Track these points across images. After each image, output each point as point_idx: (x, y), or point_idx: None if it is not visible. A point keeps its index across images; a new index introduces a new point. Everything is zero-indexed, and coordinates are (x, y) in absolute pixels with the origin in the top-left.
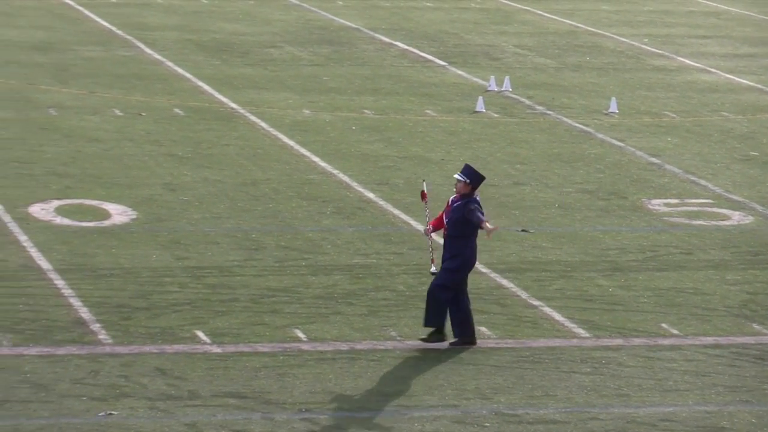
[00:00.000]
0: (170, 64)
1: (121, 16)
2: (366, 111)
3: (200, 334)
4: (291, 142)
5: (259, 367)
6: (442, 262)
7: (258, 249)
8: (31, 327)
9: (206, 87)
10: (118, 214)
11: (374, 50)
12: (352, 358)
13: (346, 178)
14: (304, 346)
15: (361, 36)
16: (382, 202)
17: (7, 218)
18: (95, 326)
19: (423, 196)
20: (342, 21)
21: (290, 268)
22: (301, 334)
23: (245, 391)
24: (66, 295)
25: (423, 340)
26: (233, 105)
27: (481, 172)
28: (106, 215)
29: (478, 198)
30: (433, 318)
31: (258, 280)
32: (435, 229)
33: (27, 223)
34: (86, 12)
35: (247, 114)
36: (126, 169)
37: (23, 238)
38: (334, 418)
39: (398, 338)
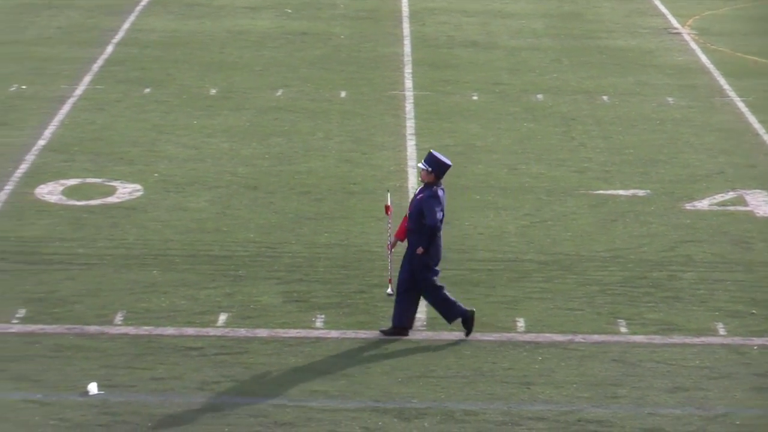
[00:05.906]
0: None
1: None
2: None
3: None
4: None
5: None
6: (404, 260)
7: None
8: None
9: None
10: None
11: None
12: None
13: None
14: None
15: None
16: None
17: None
18: None
19: (387, 209)
20: None
21: None
22: None
23: None
24: None
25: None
26: None
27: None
28: None
29: (439, 190)
30: (448, 313)
31: None
32: (402, 238)
33: None
34: None
35: None
36: None
37: None
38: None
39: None
